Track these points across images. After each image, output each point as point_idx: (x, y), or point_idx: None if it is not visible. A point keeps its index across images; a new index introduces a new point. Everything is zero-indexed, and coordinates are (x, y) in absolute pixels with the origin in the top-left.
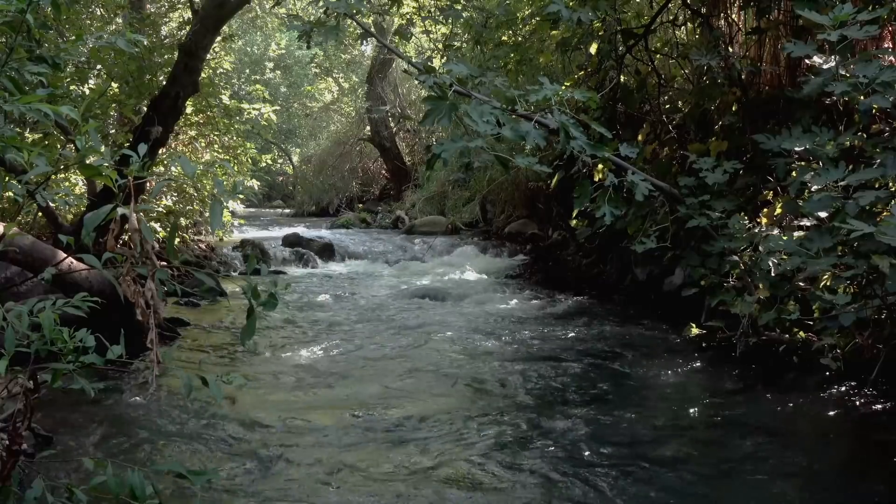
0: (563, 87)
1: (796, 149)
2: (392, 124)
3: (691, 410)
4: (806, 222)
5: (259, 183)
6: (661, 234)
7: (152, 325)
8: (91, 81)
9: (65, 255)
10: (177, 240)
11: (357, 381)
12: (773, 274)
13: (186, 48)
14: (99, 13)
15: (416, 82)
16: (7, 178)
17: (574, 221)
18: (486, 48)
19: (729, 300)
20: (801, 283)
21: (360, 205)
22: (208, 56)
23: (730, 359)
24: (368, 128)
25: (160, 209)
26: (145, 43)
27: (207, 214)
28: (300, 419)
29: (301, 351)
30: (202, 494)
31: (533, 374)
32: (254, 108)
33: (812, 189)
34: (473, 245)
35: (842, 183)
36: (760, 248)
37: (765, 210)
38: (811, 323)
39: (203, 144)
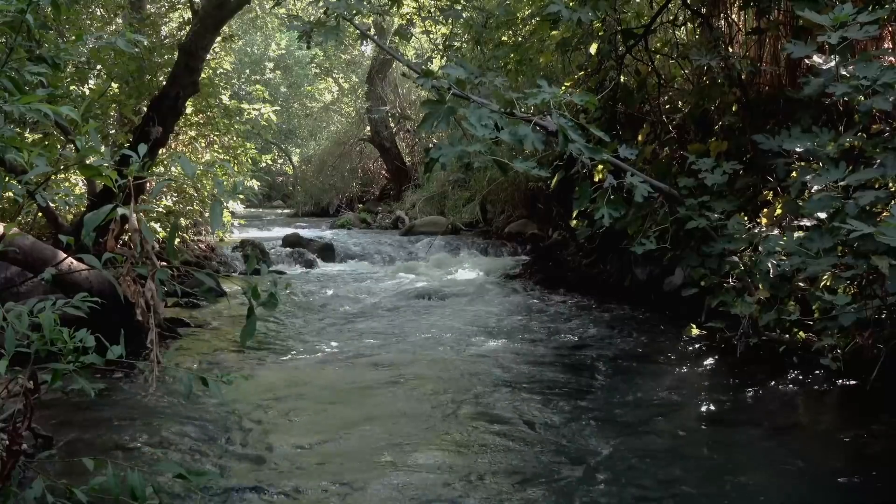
0: (563, 90)
1: (796, 149)
2: (392, 124)
3: (691, 410)
4: (806, 222)
5: (259, 183)
6: (660, 234)
7: (152, 325)
8: (91, 81)
9: (65, 256)
10: (177, 240)
11: (356, 381)
12: (772, 274)
13: (186, 48)
14: (99, 13)
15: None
16: (7, 178)
17: (574, 221)
18: (486, 48)
19: (729, 301)
20: (801, 284)
21: (360, 205)
22: (208, 56)
23: (730, 359)
24: (368, 128)
25: (160, 209)
26: (145, 43)
27: (207, 214)
28: (300, 419)
29: (301, 351)
30: (202, 495)
31: (532, 373)
32: (254, 109)
33: (812, 189)
34: (473, 245)
35: (842, 183)
36: (760, 248)
37: (765, 210)
38: (811, 323)
39: (203, 144)
